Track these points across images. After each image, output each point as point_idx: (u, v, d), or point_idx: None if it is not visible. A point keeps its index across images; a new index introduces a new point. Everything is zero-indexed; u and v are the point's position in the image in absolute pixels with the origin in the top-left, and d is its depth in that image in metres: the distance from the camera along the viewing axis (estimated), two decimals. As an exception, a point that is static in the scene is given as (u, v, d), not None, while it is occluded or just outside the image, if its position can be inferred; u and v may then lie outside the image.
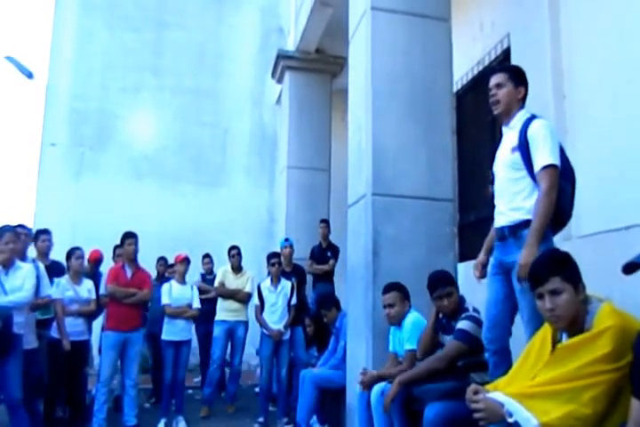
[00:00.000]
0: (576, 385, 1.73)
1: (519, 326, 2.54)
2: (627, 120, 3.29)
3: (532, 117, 2.57)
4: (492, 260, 2.68)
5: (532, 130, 2.48)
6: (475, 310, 3.02)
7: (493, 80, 2.66)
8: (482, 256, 2.82)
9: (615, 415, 1.72)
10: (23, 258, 4.24)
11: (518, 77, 2.65)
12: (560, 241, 3.47)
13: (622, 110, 3.34)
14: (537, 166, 2.43)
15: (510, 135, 2.61)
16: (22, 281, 3.86)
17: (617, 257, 3.02)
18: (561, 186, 2.44)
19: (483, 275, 2.75)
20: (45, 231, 5.02)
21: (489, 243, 2.79)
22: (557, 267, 1.89)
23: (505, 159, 2.60)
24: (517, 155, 2.51)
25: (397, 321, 3.35)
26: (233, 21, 9.84)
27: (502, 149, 2.67)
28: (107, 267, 5.20)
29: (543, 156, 2.41)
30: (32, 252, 4.78)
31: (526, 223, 2.44)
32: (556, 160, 2.41)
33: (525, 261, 2.27)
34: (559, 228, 2.59)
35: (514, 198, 2.52)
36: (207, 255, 6.60)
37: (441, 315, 3.19)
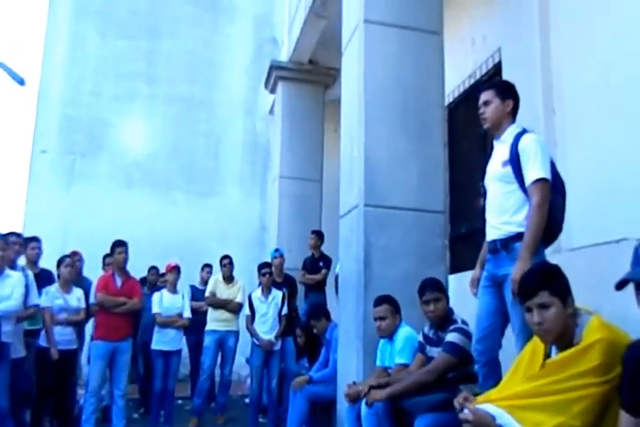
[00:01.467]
0: (565, 398, 1.75)
1: (509, 338, 2.56)
2: (616, 134, 3.35)
3: (523, 132, 2.60)
4: (483, 272, 2.69)
5: (523, 144, 2.51)
6: (463, 322, 3.03)
7: (481, 98, 2.70)
8: (476, 272, 2.83)
9: (605, 427, 1.74)
10: (13, 266, 4.20)
11: (505, 92, 2.68)
12: (550, 254, 3.50)
13: (612, 124, 3.40)
14: (528, 180, 2.45)
15: (501, 149, 2.63)
16: (11, 290, 3.83)
17: (607, 270, 3.07)
18: (552, 199, 2.45)
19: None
20: (35, 239, 4.97)
21: (482, 258, 2.80)
22: (546, 281, 1.90)
23: (496, 173, 2.62)
24: (509, 168, 2.53)
25: (388, 334, 3.35)
26: (227, 31, 9.89)
27: (493, 162, 2.69)
28: (96, 275, 5.16)
29: (534, 169, 2.43)
30: (21, 260, 4.74)
31: (518, 236, 2.45)
32: (547, 174, 2.43)
33: (518, 275, 2.27)
34: (550, 241, 2.61)
35: (505, 212, 2.54)
36: (208, 265, 6.54)
37: (427, 328, 3.20)
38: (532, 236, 2.38)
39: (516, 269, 2.34)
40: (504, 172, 2.55)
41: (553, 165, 2.55)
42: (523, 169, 2.48)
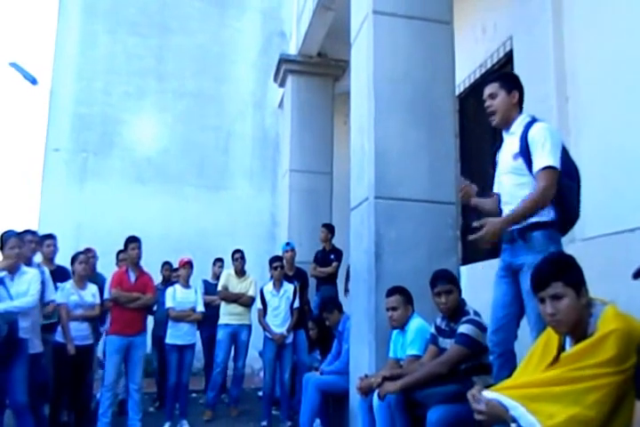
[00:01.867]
0: (579, 387, 1.73)
1: (524, 328, 2.53)
2: (631, 122, 3.29)
3: (533, 121, 2.57)
4: (499, 263, 2.67)
5: (532, 133, 2.49)
6: (476, 313, 3.01)
7: (486, 91, 2.70)
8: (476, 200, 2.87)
9: (619, 419, 1.71)
10: (29, 263, 4.26)
11: (510, 83, 2.68)
12: (564, 244, 3.47)
13: (626, 112, 3.34)
14: (535, 168, 2.44)
15: (512, 140, 2.61)
16: (27, 286, 3.88)
17: (622, 260, 3.04)
18: (567, 185, 2.44)
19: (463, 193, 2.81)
20: (50, 236, 5.03)
21: (488, 202, 2.83)
22: (559, 271, 1.88)
23: (508, 165, 2.60)
24: (520, 161, 2.51)
25: (400, 325, 3.35)
26: (235, 25, 9.88)
27: (504, 154, 2.68)
28: (110, 271, 5.21)
29: (542, 157, 2.42)
30: (37, 257, 4.80)
31: (535, 225, 2.44)
32: (555, 162, 2.41)
33: (489, 228, 2.39)
34: (568, 228, 2.59)
35: None
36: (220, 259, 6.55)
37: (439, 320, 3.19)
38: (521, 212, 2.41)
39: (490, 221, 2.41)
40: (516, 164, 2.54)
41: (566, 152, 2.52)
42: (532, 158, 2.46)
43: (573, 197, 2.51)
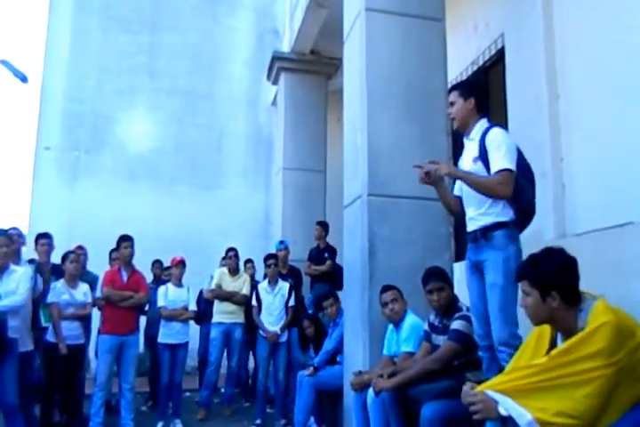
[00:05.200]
0: (570, 381, 1.74)
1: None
2: (621, 119, 3.31)
3: (490, 127, 2.70)
4: (466, 262, 2.77)
5: (489, 139, 2.63)
6: (468, 309, 3.02)
7: (449, 99, 2.86)
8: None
9: (611, 410, 1.72)
10: (18, 260, 4.22)
11: (467, 90, 2.81)
12: (556, 239, 3.49)
13: (617, 109, 3.35)
14: (492, 170, 2.56)
15: (471, 146, 2.75)
16: (16, 285, 3.84)
17: (612, 255, 3.05)
18: (522, 186, 2.58)
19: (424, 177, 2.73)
20: (45, 235, 4.99)
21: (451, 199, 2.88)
22: (528, 271, 1.97)
23: (469, 169, 2.70)
24: (480, 164, 2.64)
25: (400, 317, 3.37)
26: (228, 23, 9.85)
27: (465, 159, 2.79)
28: (102, 270, 5.17)
29: (498, 161, 2.55)
30: (29, 254, 4.77)
31: (496, 226, 2.58)
32: (510, 165, 2.54)
33: (441, 167, 2.59)
34: (526, 225, 2.72)
35: (482, 205, 2.64)
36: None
37: (432, 316, 3.21)
38: (472, 180, 2.58)
39: (444, 164, 2.59)
40: (476, 167, 2.65)
41: (520, 154, 2.65)
42: (489, 161, 2.59)
43: (528, 197, 2.64)
